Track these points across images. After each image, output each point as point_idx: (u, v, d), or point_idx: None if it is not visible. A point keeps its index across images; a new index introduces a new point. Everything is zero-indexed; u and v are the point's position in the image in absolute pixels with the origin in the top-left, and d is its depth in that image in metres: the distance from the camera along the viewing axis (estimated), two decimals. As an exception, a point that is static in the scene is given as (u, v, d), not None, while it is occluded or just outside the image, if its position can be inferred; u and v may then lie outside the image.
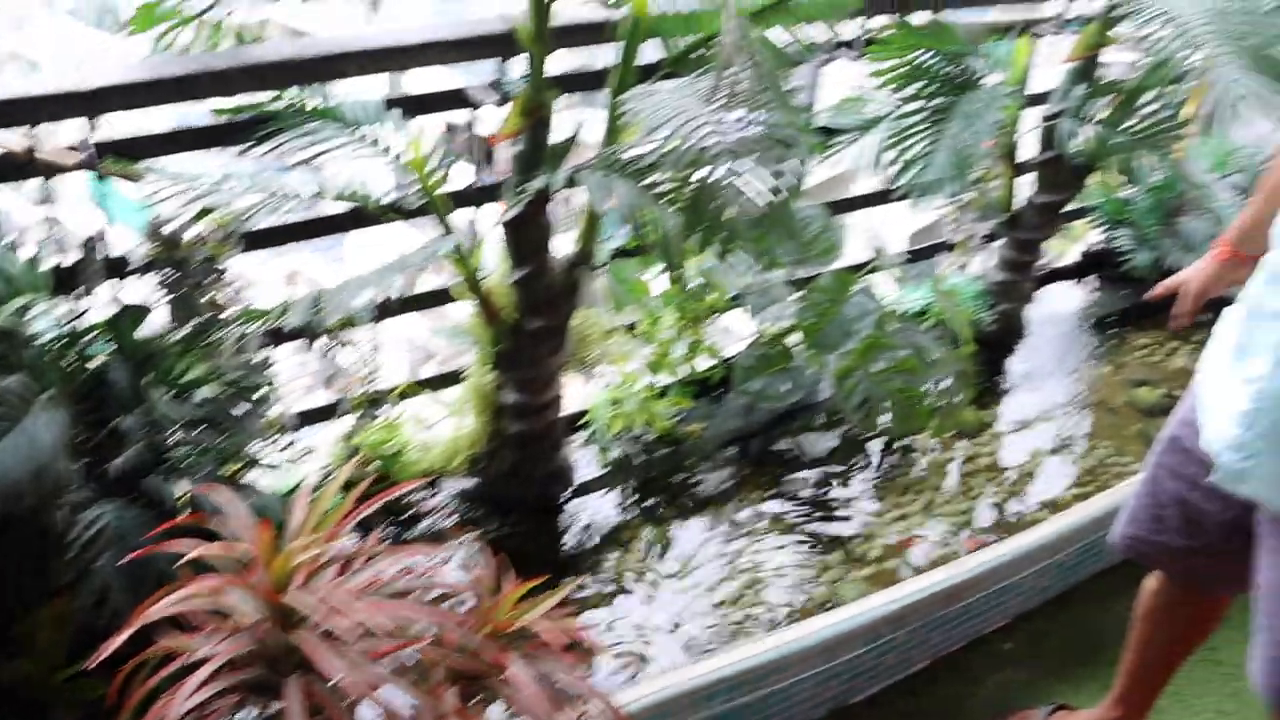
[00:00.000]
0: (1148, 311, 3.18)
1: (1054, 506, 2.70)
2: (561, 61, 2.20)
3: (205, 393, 1.93)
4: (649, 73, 2.19)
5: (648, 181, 1.90)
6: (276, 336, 2.22)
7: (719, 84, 1.74)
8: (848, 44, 2.53)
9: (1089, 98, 2.77)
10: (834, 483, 2.75)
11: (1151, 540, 1.85)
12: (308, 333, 2.28)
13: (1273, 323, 1.49)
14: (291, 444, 2.18)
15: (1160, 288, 2.08)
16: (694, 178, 1.81)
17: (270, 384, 2.04)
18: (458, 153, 2.21)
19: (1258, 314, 1.53)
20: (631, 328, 2.73)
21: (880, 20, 2.57)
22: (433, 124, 2.32)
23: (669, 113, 1.84)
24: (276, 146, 2.10)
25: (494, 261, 2.31)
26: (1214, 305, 1.85)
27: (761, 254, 1.85)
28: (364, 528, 1.83)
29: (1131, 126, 2.75)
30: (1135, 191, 3.45)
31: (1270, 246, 1.56)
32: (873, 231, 2.97)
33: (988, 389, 3.08)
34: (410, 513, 2.50)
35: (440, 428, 2.62)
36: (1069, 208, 3.12)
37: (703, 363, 2.83)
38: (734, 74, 1.75)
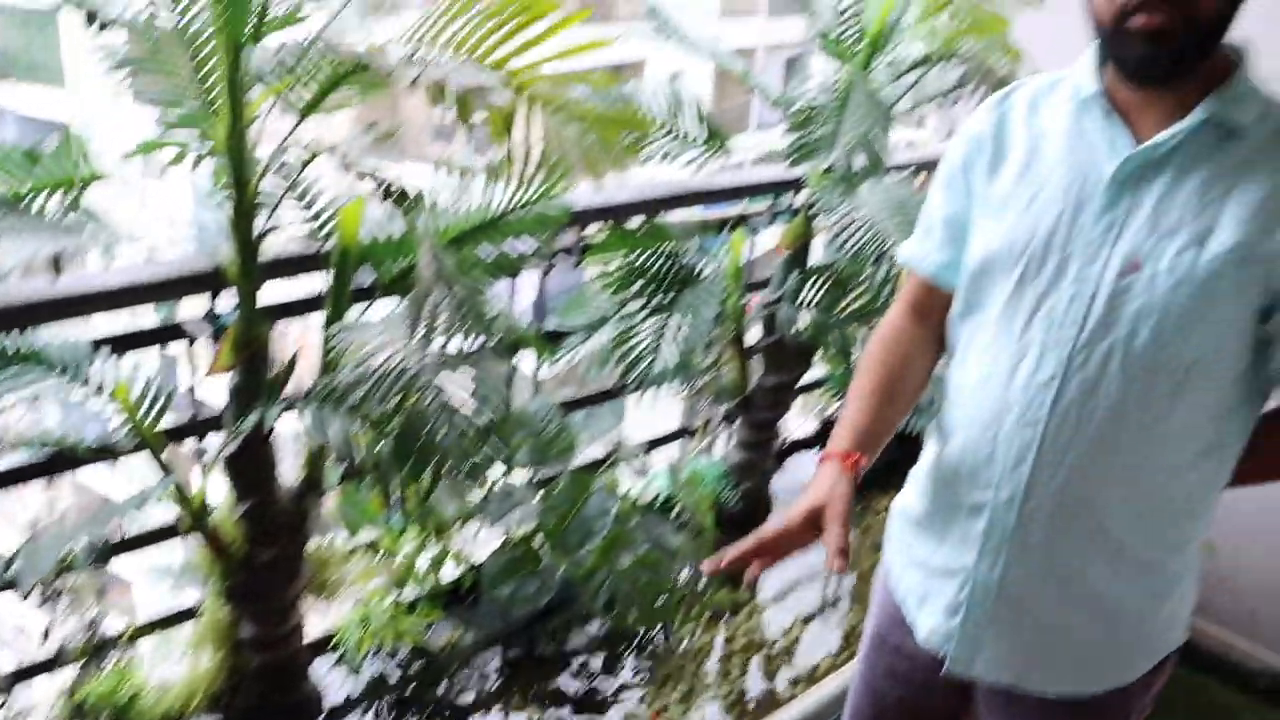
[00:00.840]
0: (889, 474, 3.32)
1: (811, 678, 2.76)
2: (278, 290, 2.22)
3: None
4: (368, 293, 2.23)
5: (360, 412, 1.91)
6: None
7: (420, 314, 1.78)
8: (566, 250, 2.62)
9: (802, 284, 2.94)
10: (596, 678, 2.75)
11: None
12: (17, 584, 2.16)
13: (970, 517, 1.58)
14: (2, 706, 2.05)
15: (767, 536, 1.54)
16: (403, 405, 1.84)
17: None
18: (174, 387, 2.18)
19: (950, 508, 1.62)
20: (373, 545, 2.69)
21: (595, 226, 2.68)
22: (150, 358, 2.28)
23: (376, 343, 1.88)
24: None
25: (220, 494, 2.25)
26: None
27: (474, 475, 1.86)
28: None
29: (844, 307, 2.93)
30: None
31: (925, 440, 1.69)
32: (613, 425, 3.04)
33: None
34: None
35: (178, 667, 2.50)
36: (802, 382, 3.28)
37: (452, 571, 2.81)
38: (434, 303, 1.79)
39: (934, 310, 1.69)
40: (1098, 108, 1.48)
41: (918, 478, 1.73)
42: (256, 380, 2.09)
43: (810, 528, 1.50)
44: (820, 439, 3.80)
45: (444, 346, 1.85)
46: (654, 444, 3.28)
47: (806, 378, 3.28)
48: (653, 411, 2.99)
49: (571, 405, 2.92)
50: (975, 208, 1.59)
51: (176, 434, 2.27)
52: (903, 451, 1.91)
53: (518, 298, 2.71)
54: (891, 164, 2.72)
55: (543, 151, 1.70)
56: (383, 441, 1.89)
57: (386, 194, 1.93)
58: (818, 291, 2.92)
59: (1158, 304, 1.39)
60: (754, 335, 3.16)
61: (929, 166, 3.05)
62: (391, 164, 2.08)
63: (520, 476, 2.76)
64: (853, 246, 2.59)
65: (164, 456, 2.13)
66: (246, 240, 2.01)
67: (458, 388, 1.86)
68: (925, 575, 1.67)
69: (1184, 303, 1.38)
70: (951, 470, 1.61)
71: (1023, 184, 1.52)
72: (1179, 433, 1.45)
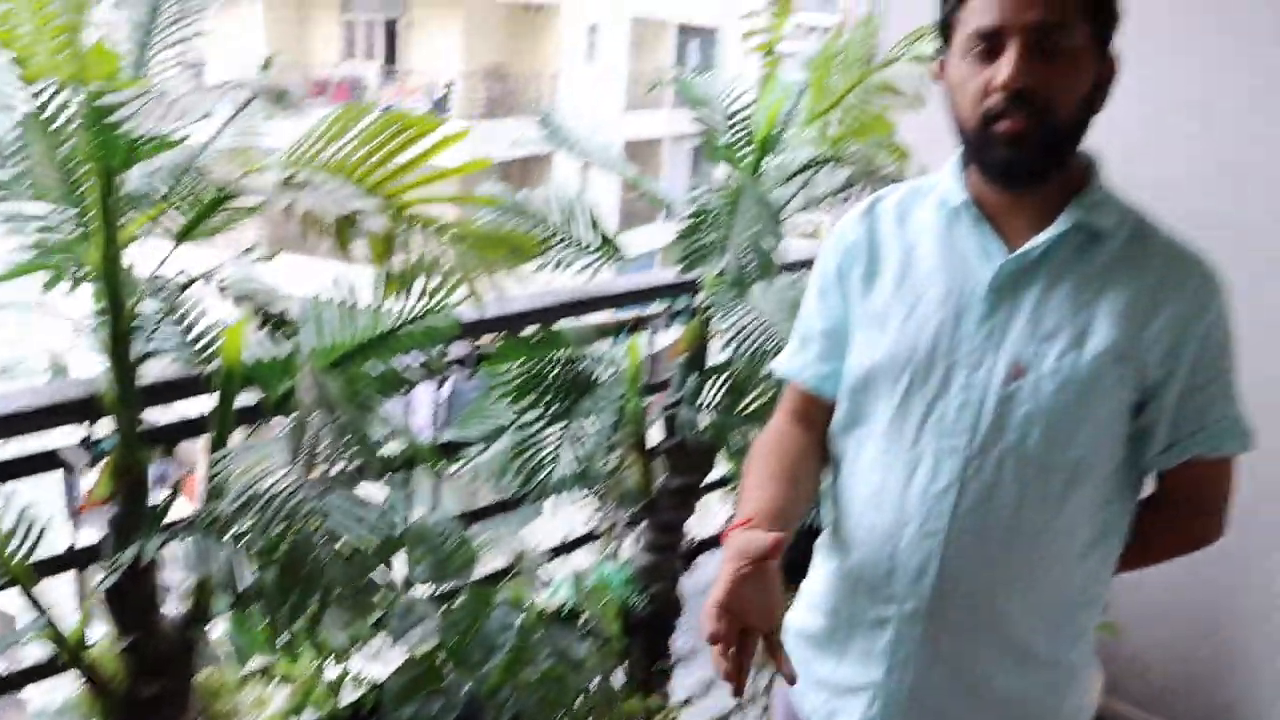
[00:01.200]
0: (798, 569, 3.31)
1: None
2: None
3: None
4: (257, 414, 2.18)
5: (244, 540, 1.86)
6: None
7: (301, 441, 1.74)
8: (460, 361, 2.59)
9: (701, 385, 2.93)
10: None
11: None
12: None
13: (873, 631, 1.56)
14: None
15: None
16: (288, 533, 1.79)
17: None
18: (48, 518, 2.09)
19: (850, 624, 1.60)
20: (267, 671, 2.60)
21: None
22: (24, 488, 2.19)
23: (259, 469, 1.83)
24: None
25: (99, 629, 2.16)
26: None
27: (363, 599, 1.81)
28: None
29: (744, 408, 2.93)
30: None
31: (816, 556, 1.68)
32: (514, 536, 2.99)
33: (652, 673, 3.10)
34: None
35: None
36: (706, 482, 3.27)
37: (352, 693, 2.72)
38: (316, 429, 1.75)
39: (816, 419, 1.69)
40: (967, 216, 1.52)
41: (811, 594, 1.72)
42: (137, 509, 2.02)
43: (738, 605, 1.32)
44: (728, 537, 3.77)
45: (328, 471, 1.81)
46: (558, 551, 3.23)
47: (710, 478, 3.27)
48: (556, 518, 2.95)
49: (472, 516, 2.87)
50: (854, 319, 1.61)
51: (51, 566, 2.17)
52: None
53: (425, 406, 2.67)
54: (784, 264, 2.74)
55: (425, 271, 1.68)
56: (268, 570, 1.84)
57: (265, 319, 1.89)
58: (717, 392, 2.92)
59: (1045, 407, 1.43)
60: (657, 437, 3.15)
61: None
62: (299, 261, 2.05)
63: (421, 592, 2.70)
64: (748, 349, 2.60)
65: (35, 592, 2.04)
66: (124, 364, 1.96)
67: (343, 512, 1.81)
68: (830, 694, 1.64)
69: (1069, 404, 1.43)
70: (850, 586, 1.60)
71: (900, 294, 1.55)
72: (1070, 527, 1.48)
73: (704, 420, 2.91)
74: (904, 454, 1.51)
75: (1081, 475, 1.45)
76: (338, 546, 1.80)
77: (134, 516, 2.02)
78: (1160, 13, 2.76)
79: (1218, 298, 1.46)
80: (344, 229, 1.54)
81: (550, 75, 19.63)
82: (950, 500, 1.47)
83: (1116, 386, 1.44)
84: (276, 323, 1.94)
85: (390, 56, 19.43)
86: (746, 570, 1.32)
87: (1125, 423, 1.47)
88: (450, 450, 2.72)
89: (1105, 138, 1.52)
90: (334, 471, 1.82)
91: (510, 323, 2.59)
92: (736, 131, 2.79)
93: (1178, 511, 1.59)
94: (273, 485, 1.80)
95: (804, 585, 1.74)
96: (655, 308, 3.09)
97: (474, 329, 2.51)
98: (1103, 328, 1.43)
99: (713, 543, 3.74)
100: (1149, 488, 1.59)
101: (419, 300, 2.14)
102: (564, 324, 2.79)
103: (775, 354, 2.48)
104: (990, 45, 1.39)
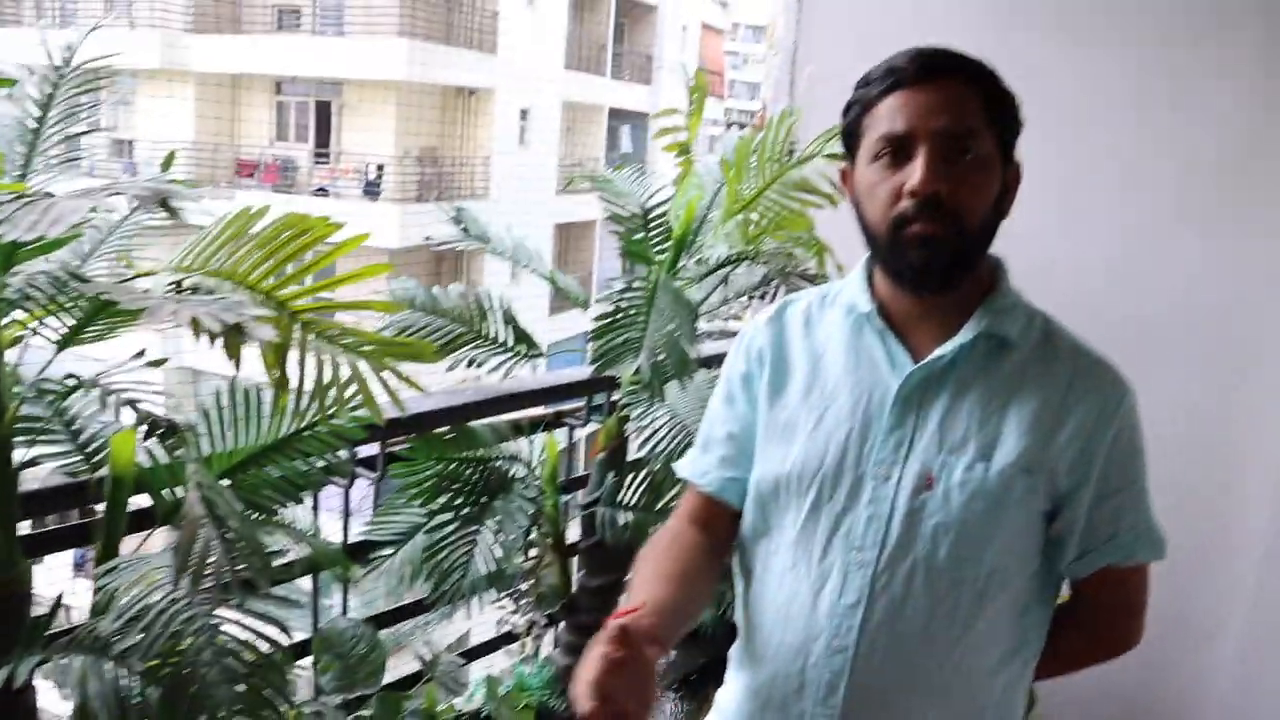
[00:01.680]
0: (712, 674, 3.24)
1: None
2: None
3: None
4: (146, 522, 2.08)
5: (128, 660, 1.76)
6: None
7: (188, 557, 1.65)
8: (368, 463, 2.52)
9: (619, 483, 2.88)
10: None
11: None
12: None
13: None
14: None
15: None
16: (174, 651, 1.70)
17: None
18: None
19: None
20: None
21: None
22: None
23: (145, 584, 1.74)
24: None
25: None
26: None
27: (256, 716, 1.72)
28: None
29: (663, 506, 2.88)
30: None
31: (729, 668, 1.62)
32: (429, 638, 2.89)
33: (571, 776, 3.00)
34: None
35: None
36: (627, 580, 3.19)
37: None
38: (204, 542, 1.67)
39: (714, 524, 1.64)
40: (873, 324, 1.50)
41: (723, 706, 1.66)
42: (13, 627, 1.91)
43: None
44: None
45: (218, 585, 1.72)
46: (473, 653, 3.13)
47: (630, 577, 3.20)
48: (471, 619, 2.85)
49: (383, 620, 2.77)
50: (760, 427, 1.57)
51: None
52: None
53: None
54: (702, 360, 2.71)
55: (320, 380, 1.61)
56: (153, 690, 1.74)
57: (154, 425, 1.81)
58: (636, 490, 2.86)
59: (954, 519, 1.40)
60: (576, 535, 3.08)
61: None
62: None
63: (330, 700, 2.59)
64: (665, 448, 2.56)
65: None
66: (4, 471, 1.86)
67: (237, 626, 1.73)
68: None
69: (979, 515, 1.40)
70: (761, 701, 1.54)
71: (808, 404, 1.52)
72: (984, 640, 1.44)
73: (623, 518, 2.86)
74: (813, 567, 1.47)
75: (994, 587, 1.42)
76: (229, 662, 1.71)
77: (9, 635, 1.90)
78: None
79: (1125, 403, 1.45)
80: (233, 338, 1.47)
81: (483, 158, 19.72)
82: (859, 615, 1.42)
83: (1027, 496, 1.41)
84: (169, 428, 1.86)
85: (323, 138, 19.41)
86: (620, 655, 1.24)
87: (1038, 532, 1.45)
88: (362, 552, 2.63)
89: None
90: (226, 583, 1.73)
91: (422, 422, 2.52)
92: (654, 227, 2.77)
93: (1094, 619, 1.57)
94: (161, 599, 1.72)
95: (718, 695, 1.69)
96: (575, 403, 3.04)
97: (383, 430, 2.44)
98: (1011, 438, 1.41)
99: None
100: (1065, 593, 1.57)
101: (321, 404, 2.07)
102: (480, 422, 2.73)
103: (694, 452, 2.45)
104: (899, 151, 1.39)
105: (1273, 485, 2.78)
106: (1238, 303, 2.80)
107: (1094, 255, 2.97)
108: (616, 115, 24.53)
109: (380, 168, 18.47)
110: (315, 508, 2.49)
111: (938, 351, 1.44)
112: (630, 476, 2.87)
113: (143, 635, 1.68)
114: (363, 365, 1.61)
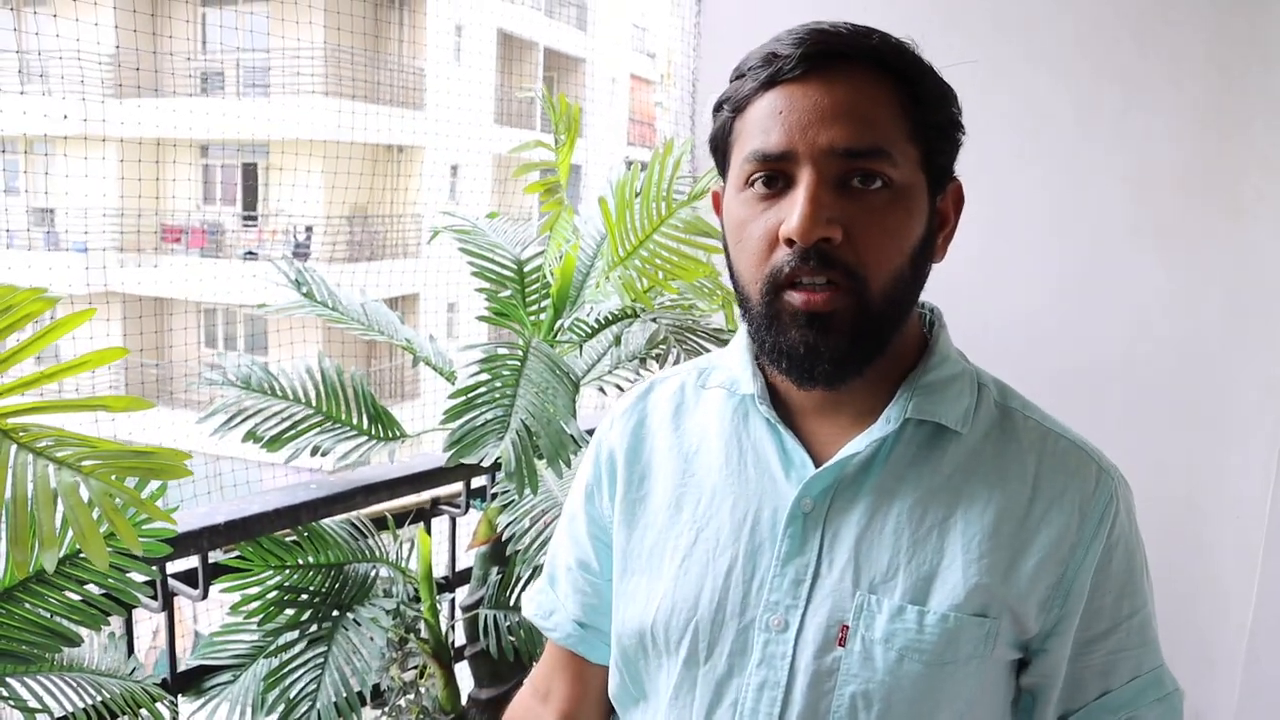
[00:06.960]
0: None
1: None
2: None
3: None
4: None
5: None
6: None
7: None
8: (187, 579, 2.10)
9: (504, 581, 2.48)
10: None
11: None
12: None
13: None
14: None
15: None
16: None
17: None
18: None
19: None
20: None
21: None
22: None
23: None
24: None
25: None
26: None
27: None
28: None
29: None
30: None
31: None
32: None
33: None
34: None
35: None
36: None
37: None
38: None
39: (587, 682, 1.25)
40: (759, 413, 1.08)
41: None
42: None
43: None
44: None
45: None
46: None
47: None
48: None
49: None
50: (616, 556, 1.16)
51: None
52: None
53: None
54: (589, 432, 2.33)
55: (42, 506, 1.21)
56: None
57: None
58: (524, 589, 2.46)
59: (880, 686, 0.98)
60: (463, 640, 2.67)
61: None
62: None
63: None
64: (544, 541, 2.17)
65: None
66: None
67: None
68: None
69: (914, 680, 0.97)
70: None
71: (676, 525, 1.10)
72: None
73: (509, 620, 2.46)
74: None
75: None
76: None
77: None
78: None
79: (1115, 505, 1.03)
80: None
81: (414, 215, 19.33)
82: None
83: (982, 648, 0.99)
84: None
85: (250, 201, 18.95)
86: None
87: (1006, 689, 1.04)
88: (193, 680, 2.21)
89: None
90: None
91: (251, 526, 2.10)
92: (531, 283, 2.38)
93: None
94: None
95: None
96: (453, 488, 2.64)
97: (200, 540, 2.03)
98: (955, 567, 0.99)
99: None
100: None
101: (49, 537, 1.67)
102: (334, 520, 2.33)
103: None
104: (776, 176, 0.97)
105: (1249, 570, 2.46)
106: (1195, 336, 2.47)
107: (1038, 291, 2.64)
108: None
109: (309, 229, 18.02)
110: (129, 637, 2.08)
111: (849, 448, 1.03)
112: (516, 572, 2.47)
113: None
114: (88, 487, 1.22)
